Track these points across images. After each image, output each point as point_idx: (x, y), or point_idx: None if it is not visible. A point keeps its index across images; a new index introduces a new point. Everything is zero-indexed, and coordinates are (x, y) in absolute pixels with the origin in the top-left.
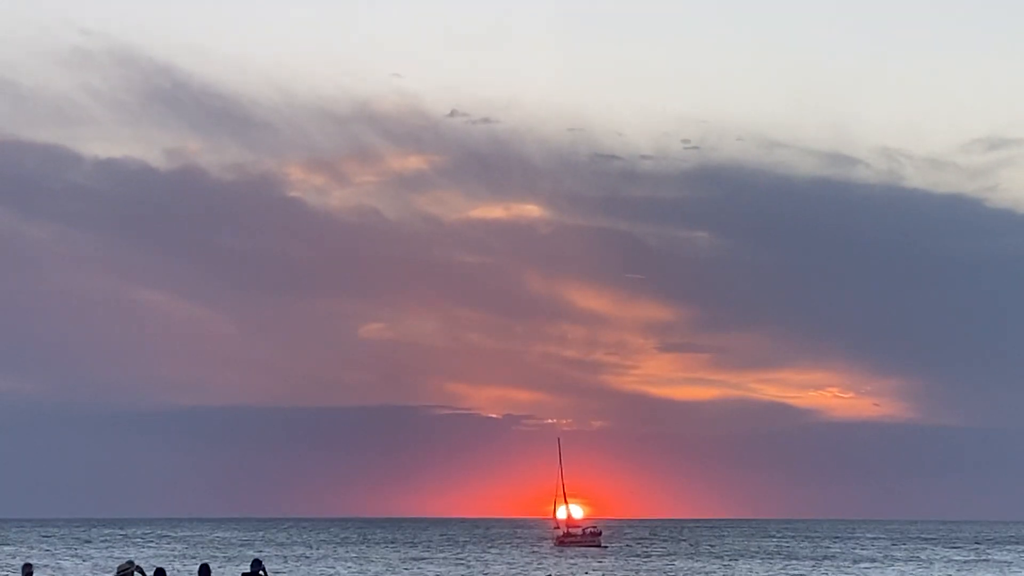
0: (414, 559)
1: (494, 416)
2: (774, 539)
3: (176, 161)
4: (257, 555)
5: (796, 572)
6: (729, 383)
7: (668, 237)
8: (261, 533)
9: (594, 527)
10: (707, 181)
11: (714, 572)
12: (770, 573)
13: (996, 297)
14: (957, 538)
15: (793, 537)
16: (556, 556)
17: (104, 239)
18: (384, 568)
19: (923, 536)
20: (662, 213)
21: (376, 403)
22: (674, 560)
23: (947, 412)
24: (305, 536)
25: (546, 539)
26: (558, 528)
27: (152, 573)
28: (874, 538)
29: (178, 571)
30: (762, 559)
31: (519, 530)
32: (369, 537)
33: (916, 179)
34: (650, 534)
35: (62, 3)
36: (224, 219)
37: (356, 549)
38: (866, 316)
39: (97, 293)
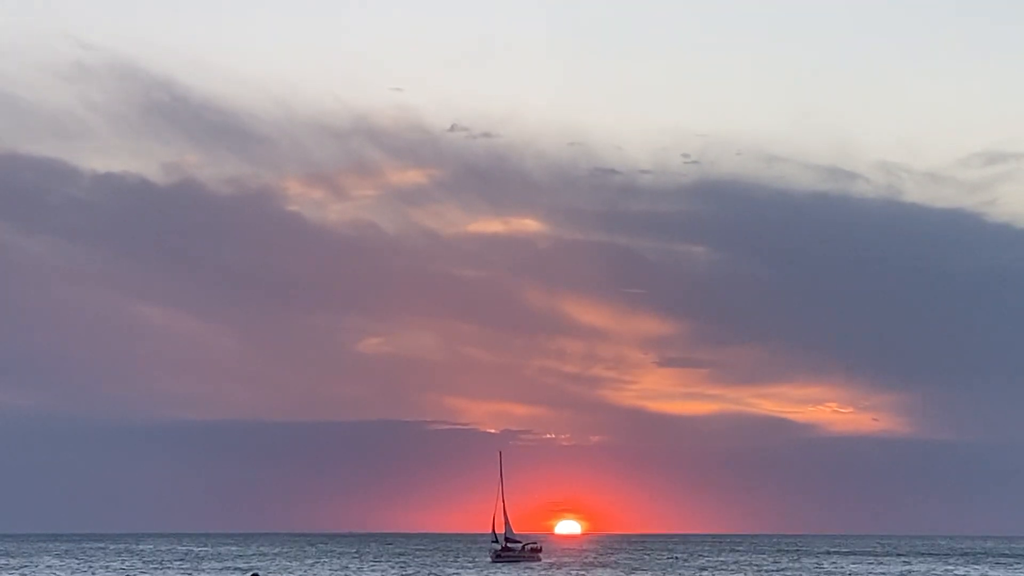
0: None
1: (492, 431)
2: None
3: (174, 175)
4: (255, 569)
5: None
6: (728, 398)
7: (667, 251)
8: (259, 547)
9: (534, 543)
10: (706, 195)
11: None
12: None
13: (995, 311)
14: (955, 552)
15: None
16: (480, 572)
17: (102, 253)
18: None
19: (920, 551)
20: (661, 227)
21: (374, 418)
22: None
23: (946, 427)
24: (302, 551)
25: (485, 554)
26: (496, 543)
27: None
28: (870, 552)
29: None
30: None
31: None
32: (354, 552)
33: (915, 194)
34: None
35: (62, 17)
36: (222, 233)
37: (349, 563)
38: (865, 331)
39: (95, 307)
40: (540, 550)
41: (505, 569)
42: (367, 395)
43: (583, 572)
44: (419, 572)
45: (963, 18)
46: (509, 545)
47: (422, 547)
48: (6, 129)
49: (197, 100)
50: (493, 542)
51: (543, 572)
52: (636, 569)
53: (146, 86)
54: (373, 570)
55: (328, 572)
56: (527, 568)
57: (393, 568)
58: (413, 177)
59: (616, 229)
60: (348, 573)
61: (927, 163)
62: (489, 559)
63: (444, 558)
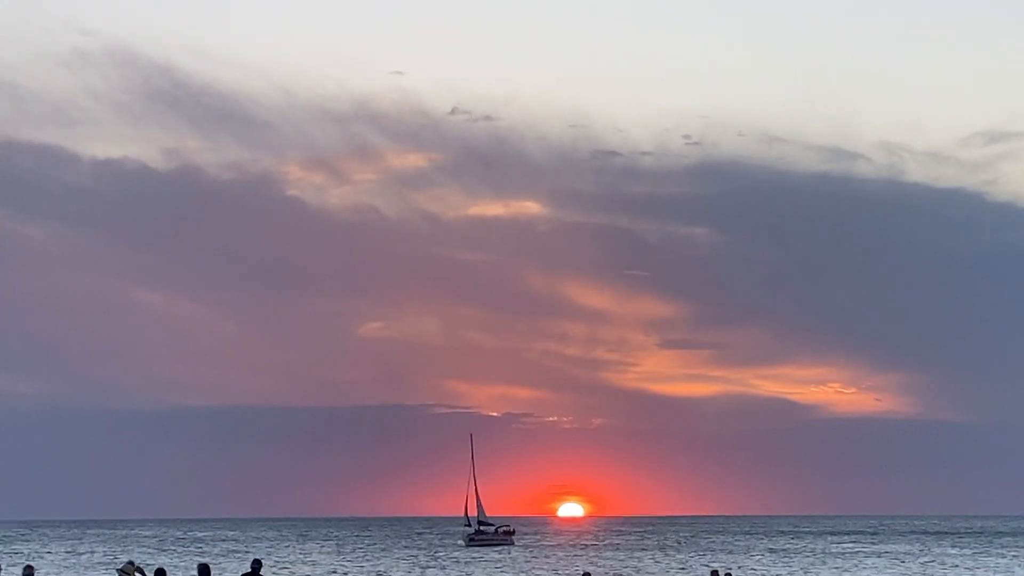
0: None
1: (494, 414)
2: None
3: (175, 161)
4: (257, 555)
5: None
6: (730, 379)
7: (669, 233)
8: (261, 533)
9: (507, 525)
10: (708, 177)
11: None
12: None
13: (997, 291)
14: (959, 532)
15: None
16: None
17: (103, 239)
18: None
19: (922, 530)
20: (663, 209)
21: (375, 402)
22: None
23: (949, 407)
24: (305, 536)
25: (458, 537)
26: (469, 526)
27: (152, 574)
28: (872, 533)
29: (178, 571)
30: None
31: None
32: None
33: (917, 173)
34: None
35: (62, 4)
36: (223, 218)
37: (337, 546)
38: (868, 311)
39: (96, 293)
40: (513, 532)
41: (479, 552)
42: (369, 380)
43: (554, 553)
44: (396, 556)
45: None
46: (482, 528)
47: (416, 531)
48: (5, 116)
49: (197, 85)
50: (466, 526)
51: (516, 554)
52: (608, 549)
53: (146, 72)
54: (347, 557)
55: (320, 555)
56: (500, 550)
57: (374, 550)
58: (414, 161)
59: (617, 211)
60: (332, 556)
61: (928, 143)
62: (463, 543)
63: (408, 542)
